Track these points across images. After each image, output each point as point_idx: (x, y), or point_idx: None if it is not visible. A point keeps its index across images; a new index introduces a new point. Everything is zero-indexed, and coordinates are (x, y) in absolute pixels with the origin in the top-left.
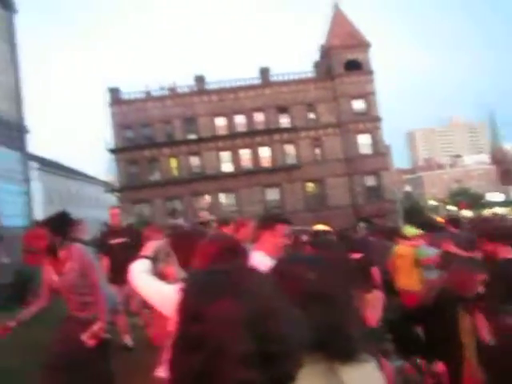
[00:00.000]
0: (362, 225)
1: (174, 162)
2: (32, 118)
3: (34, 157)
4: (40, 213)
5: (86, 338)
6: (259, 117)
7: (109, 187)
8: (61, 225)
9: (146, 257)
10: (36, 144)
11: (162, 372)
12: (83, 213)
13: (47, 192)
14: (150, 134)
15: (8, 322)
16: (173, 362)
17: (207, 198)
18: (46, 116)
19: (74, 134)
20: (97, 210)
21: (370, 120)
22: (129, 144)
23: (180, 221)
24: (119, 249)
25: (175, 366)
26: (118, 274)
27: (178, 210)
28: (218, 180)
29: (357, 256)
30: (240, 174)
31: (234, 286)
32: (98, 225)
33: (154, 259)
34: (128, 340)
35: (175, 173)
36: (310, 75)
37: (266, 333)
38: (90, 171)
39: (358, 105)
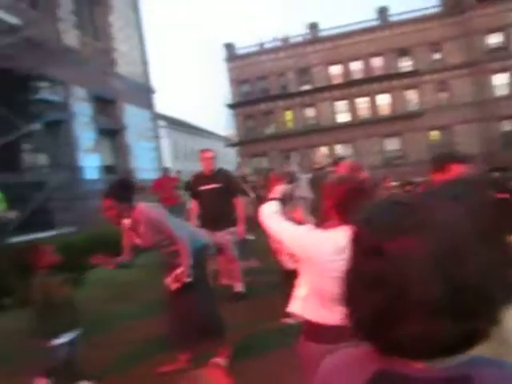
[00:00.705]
0: (496, 175)
1: (288, 115)
2: (157, 78)
3: (160, 115)
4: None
5: (169, 282)
6: (377, 62)
7: (228, 142)
8: (123, 192)
9: (275, 199)
10: (161, 103)
11: (294, 307)
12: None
13: (173, 148)
14: (265, 87)
15: (113, 260)
16: (350, 298)
17: (323, 150)
18: (169, 76)
19: (196, 92)
20: (218, 165)
21: (508, 57)
22: (245, 98)
23: (294, 167)
24: (210, 195)
25: (353, 303)
26: (208, 221)
27: (295, 162)
28: (333, 131)
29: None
30: (357, 124)
31: (420, 220)
32: None
33: (282, 202)
34: (239, 287)
35: (290, 125)
36: (434, 11)
37: (458, 277)
38: (211, 127)
39: (495, 39)
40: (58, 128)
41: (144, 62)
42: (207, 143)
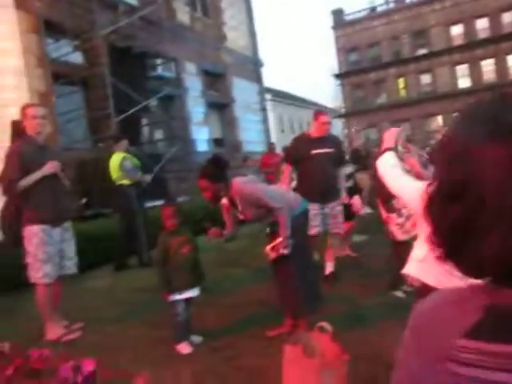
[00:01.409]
0: None
1: (401, 83)
2: (264, 51)
3: (267, 89)
4: (274, 141)
5: (268, 251)
6: (507, 17)
7: (335, 113)
8: (216, 172)
9: (389, 149)
10: (269, 76)
11: (410, 269)
12: None
13: (279, 122)
14: (376, 54)
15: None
16: (430, 212)
17: (440, 120)
18: (276, 49)
19: (302, 63)
20: None
21: None
22: (354, 67)
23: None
24: (322, 160)
25: (433, 216)
26: (317, 190)
27: (407, 133)
28: (452, 99)
29: None
30: (481, 89)
31: None
32: None
33: (395, 149)
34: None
35: (403, 94)
36: None
37: None
38: (317, 99)
39: None
40: (172, 103)
41: (252, 36)
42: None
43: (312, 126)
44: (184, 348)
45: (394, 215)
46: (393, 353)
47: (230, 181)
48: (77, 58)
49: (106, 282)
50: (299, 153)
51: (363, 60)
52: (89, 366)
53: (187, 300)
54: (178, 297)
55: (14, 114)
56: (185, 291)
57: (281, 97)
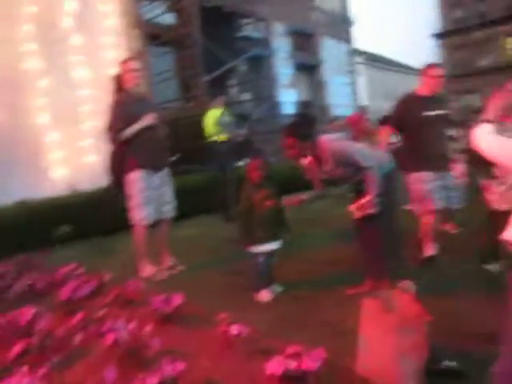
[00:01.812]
0: None
1: (510, 42)
2: (355, 10)
3: (358, 51)
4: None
5: (354, 210)
6: None
7: None
8: (303, 130)
9: (488, 121)
10: (359, 38)
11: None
12: None
13: (370, 86)
14: (483, 10)
15: (302, 196)
16: None
17: None
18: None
19: (396, 23)
20: None
21: None
22: (456, 26)
23: None
24: (435, 123)
25: None
26: (432, 157)
27: None
28: None
29: None
30: None
31: None
32: None
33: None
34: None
35: None
36: None
37: None
38: (413, 62)
39: None
40: (260, 64)
41: None
42: (407, 80)
43: (421, 82)
44: (264, 296)
45: (492, 183)
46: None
47: (317, 138)
48: (169, 19)
49: (194, 231)
50: (407, 115)
51: (468, 17)
52: (177, 300)
53: (269, 252)
54: (259, 248)
55: (113, 71)
56: (266, 243)
57: (372, 60)
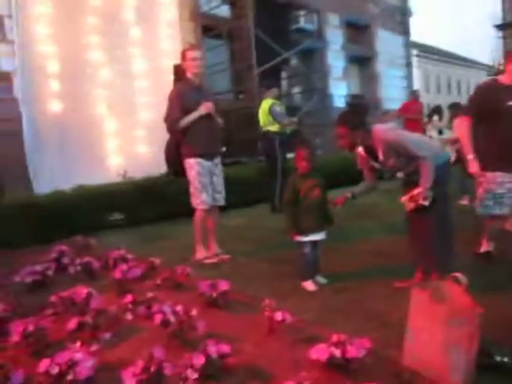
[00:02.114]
0: None
1: None
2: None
3: (413, 43)
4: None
5: (405, 201)
6: None
7: (491, 71)
8: (356, 119)
9: None
10: (416, 29)
11: None
12: (463, 100)
13: (425, 80)
14: None
15: (346, 193)
16: None
17: None
18: None
19: (453, 13)
20: None
21: None
22: None
23: None
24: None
25: None
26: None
27: None
28: None
29: None
30: None
31: None
32: None
33: None
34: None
35: None
36: None
37: None
38: (474, 55)
39: None
40: (312, 56)
41: None
42: (465, 73)
43: (505, 69)
44: (309, 285)
45: None
46: None
47: (370, 128)
48: (224, 11)
49: (242, 221)
50: (487, 104)
51: None
52: (224, 285)
53: (314, 242)
54: (305, 238)
55: (168, 63)
56: (312, 234)
57: (428, 52)
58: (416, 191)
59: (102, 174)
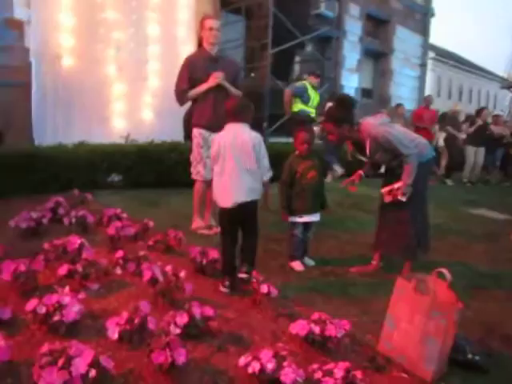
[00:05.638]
0: None
1: None
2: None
3: (431, 45)
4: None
5: (384, 193)
6: None
7: (506, 83)
8: (341, 114)
9: None
10: (435, 31)
11: None
12: (472, 109)
13: (437, 83)
14: None
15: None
16: None
17: None
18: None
19: (474, 19)
20: (490, 108)
21: None
22: None
23: None
24: None
25: None
26: None
27: None
28: None
29: None
30: None
31: None
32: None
33: None
34: None
35: None
36: None
37: None
38: (489, 65)
39: None
40: (328, 44)
41: None
42: (477, 82)
43: None
44: (297, 265)
45: None
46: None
47: (357, 122)
48: None
49: None
50: None
51: None
52: (213, 254)
53: (306, 224)
54: (297, 219)
55: (182, 32)
56: (304, 215)
57: (444, 56)
58: (396, 185)
59: (105, 134)
